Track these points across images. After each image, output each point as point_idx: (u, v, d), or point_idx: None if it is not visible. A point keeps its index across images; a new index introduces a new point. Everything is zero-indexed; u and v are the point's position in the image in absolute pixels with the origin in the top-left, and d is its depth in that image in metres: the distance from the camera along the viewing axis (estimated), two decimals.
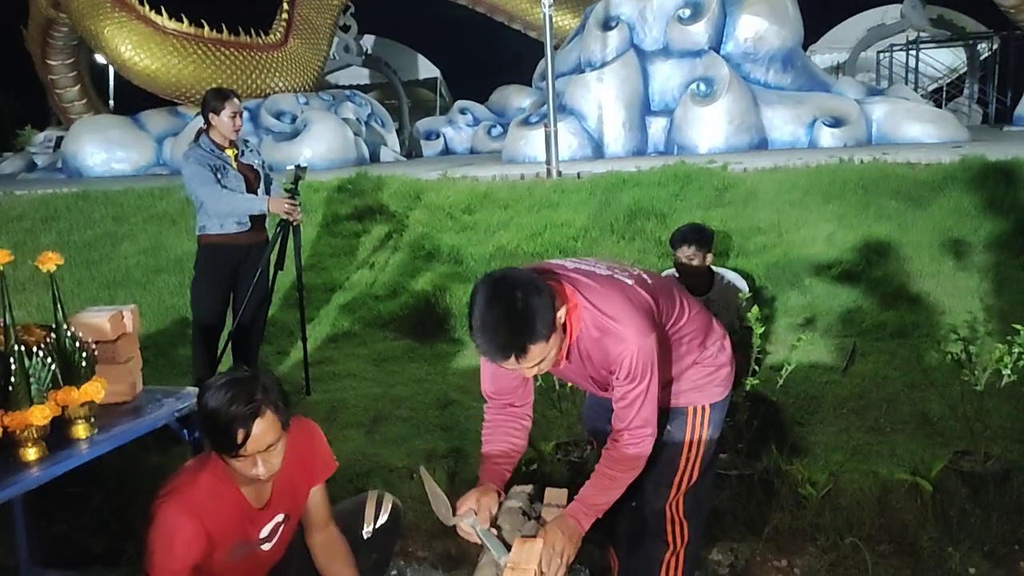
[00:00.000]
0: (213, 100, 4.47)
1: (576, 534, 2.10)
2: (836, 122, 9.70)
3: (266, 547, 2.20)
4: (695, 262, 4.19)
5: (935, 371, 4.11)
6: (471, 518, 2.07)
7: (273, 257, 4.66)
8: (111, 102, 15.41)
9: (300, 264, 4.83)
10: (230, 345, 4.65)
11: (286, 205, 4.52)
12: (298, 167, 4.61)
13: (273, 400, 1.97)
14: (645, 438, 2.11)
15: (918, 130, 9.68)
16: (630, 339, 2.00)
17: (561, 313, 1.98)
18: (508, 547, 2.04)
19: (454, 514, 2.11)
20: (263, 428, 1.93)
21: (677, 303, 2.25)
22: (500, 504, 2.17)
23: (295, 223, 4.61)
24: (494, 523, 2.13)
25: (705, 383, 2.33)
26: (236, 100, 4.53)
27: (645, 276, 2.23)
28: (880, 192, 6.43)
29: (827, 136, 9.62)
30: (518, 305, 1.88)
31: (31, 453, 2.23)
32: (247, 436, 1.92)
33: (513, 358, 1.93)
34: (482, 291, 1.92)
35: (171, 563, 2.00)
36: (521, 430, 2.29)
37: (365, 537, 2.47)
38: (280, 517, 2.21)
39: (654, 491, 2.35)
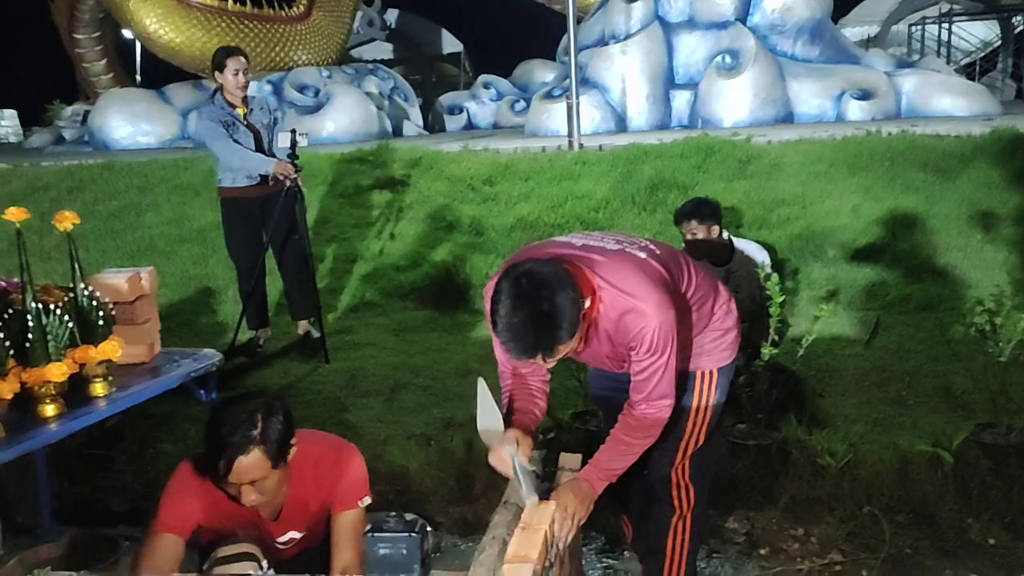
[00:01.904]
0: (218, 57, 4.64)
1: (588, 498, 2.08)
2: (864, 95, 9.51)
3: (281, 547, 2.21)
4: (699, 235, 4.13)
5: (959, 344, 4.04)
6: (512, 448, 1.99)
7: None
8: (137, 76, 15.50)
9: (305, 227, 4.87)
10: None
11: (288, 168, 4.61)
12: (294, 131, 4.65)
13: (269, 439, 1.94)
14: (664, 408, 2.09)
15: (949, 103, 9.47)
16: (650, 314, 1.97)
17: (585, 306, 1.94)
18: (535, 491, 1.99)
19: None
20: (247, 465, 1.92)
21: (684, 270, 2.23)
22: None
23: (292, 186, 4.66)
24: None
25: (712, 347, 2.32)
26: (241, 58, 4.64)
27: (653, 247, 2.20)
28: (908, 164, 6.31)
29: (855, 109, 9.44)
30: (544, 306, 1.83)
31: (49, 409, 2.26)
32: (229, 469, 1.92)
33: (540, 357, 1.90)
34: (507, 289, 1.86)
35: (175, 517, 2.04)
36: (541, 394, 2.24)
37: None
38: (296, 535, 2.19)
39: (660, 456, 2.34)
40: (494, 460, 2.04)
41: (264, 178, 4.68)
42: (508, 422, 2.14)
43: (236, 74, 4.61)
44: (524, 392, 2.21)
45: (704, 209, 4.16)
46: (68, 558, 2.41)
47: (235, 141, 4.62)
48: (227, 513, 2.08)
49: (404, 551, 1.22)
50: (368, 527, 1.27)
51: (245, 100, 4.73)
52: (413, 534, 1.22)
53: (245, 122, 4.71)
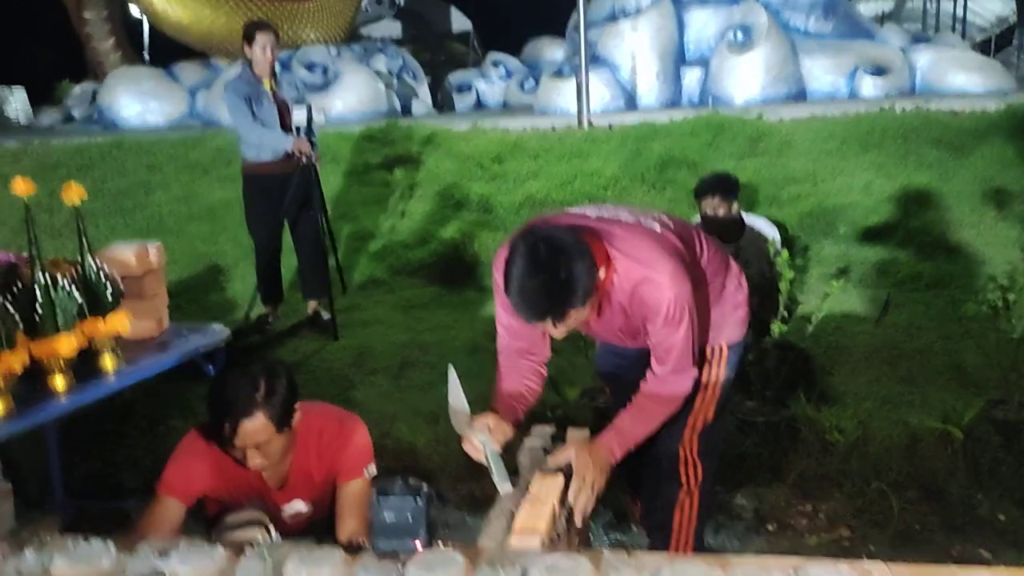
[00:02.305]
0: (248, 31, 4.68)
1: (607, 464, 2.02)
2: (878, 71, 9.38)
3: (288, 522, 2.22)
4: (720, 212, 4.11)
5: (971, 321, 4.01)
6: (484, 435, 1.99)
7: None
8: (145, 54, 15.45)
9: (320, 206, 4.89)
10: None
11: (306, 146, 4.64)
12: (309, 107, 4.69)
13: (272, 402, 1.96)
14: (687, 378, 2.08)
15: (964, 79, 9.33)
16: (666, 285, 1.95)
17: (601, 274, 1.92)
18: (512, 477, 1.95)
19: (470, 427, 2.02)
20: (251, 429, 1.94)
21: (697, 244, 2.21)
22: (523, 443, 2.12)
23: (307, 163, 4.68)
24: (514, 460, 2.10)
25: (722, 323, 2.29)
26: (271, 34, 4.65)
27: (667, 220, 2.18)
28: (921, 141, 6.25)
29: (868, 86, 9.32)
30: (561, 274, 1.81)
31: (59, 382, 2.27)
32: (234, 432, 1.94)
33: (550, 321, 1.88)
34: (523, 252, 1.83)
35: (179, 480, 2.06)
36: (537, 376, 2.20)
37: None
38: (302, 506, 2.20)
39: (668, 432, 2.29)
40: (467, 447, 2.02)
41: (289, 155, 4.70)
42: (493, 404, 2.12)
43: (264, 49, 4.64)
44: (517, 374, 2.17)
45: (726, 185, 4.13)
46: (78, 529, 2.42)
47: (256, 116, 4.65)
48: (233, 481, 2.09)
49: (409, 516, 1.22)
50: (372, 491, 1.27)
51: (273, 75, 4.75)
52: (418, 499, 1.22)
53: (271, 96, 4.73)
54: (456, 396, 2.04)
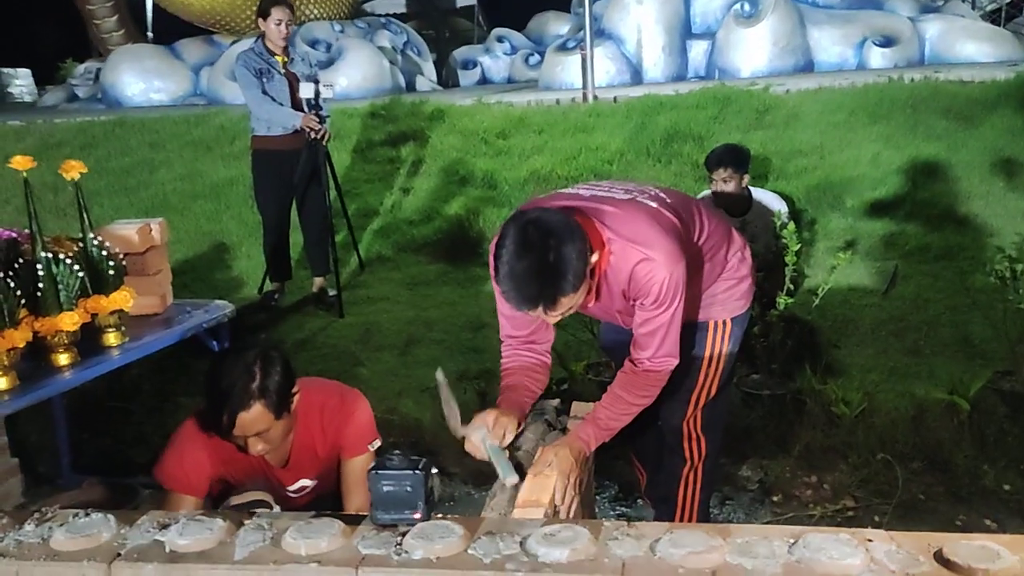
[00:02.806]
0: (264, 5, 4.66)
1: (583, 457, 1.99)
2: (887, 42, 9.26)
3: (293, 496, 2.22)
4: (731, 185, 4.09)
5: (979, 293, 3.98)
6: (482, 432, 1.95)
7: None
8: (149, 32, 15.37)
9: (327, 183, 4.87)
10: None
11: (313, 122, 4.61)
12: (317, 82, 4.67)
13: (268, 391, 1.94)
14: (667, 365, 2.02)
15: (973, 49, 9.21)
16: (660, 263, 1.90)
17: (593, 259, 1.86)
18: (518, 469, 1.92)
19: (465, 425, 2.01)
20: (249, 420, 1.92)
21: (697, 218, 2.16)
22: (521, 430, 2.08)
23: (316, 138, 4.67)
24: (518, 436, 2.09)
25: (726, 297, 2.27)
26: (287, 9, 4.61)
27: (664, 195, 2.12)
28: (930, 111, 6.18)
29: (877, 57, 9.21)
30: (550, 256, 1.75)
31: (63, 358, 2.28)
32: (232, 424, 1.92)
33: (541, 308, 1.82)
34: (512, 235, 1.78)
35: (188, 476, 2.05)
36: (542, 369, 2.16)
37: None
38: (307, 483, 2.20)
39: (672, 407, 2.31)
40: (468, 447, 1.99)
41: (298, 131, 4.68)
42: (498, 400, 2.09)
43: (279, 24, 4.62)
44: (522, 368, 2.13)
45: (738, 156, 4.10)
46: (85, 505, 2.44)
47: (265, 92, 4.64)
48: (236, 464, 2.09)
49: (408, 488, 1.22)
50: (372, 465, 1.27)
51: (287, 49, 4.73)
52: (417, 471, 1.22)
53: (283, 71, 4.70)
54: (445, 401, 2.02)
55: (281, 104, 4.69)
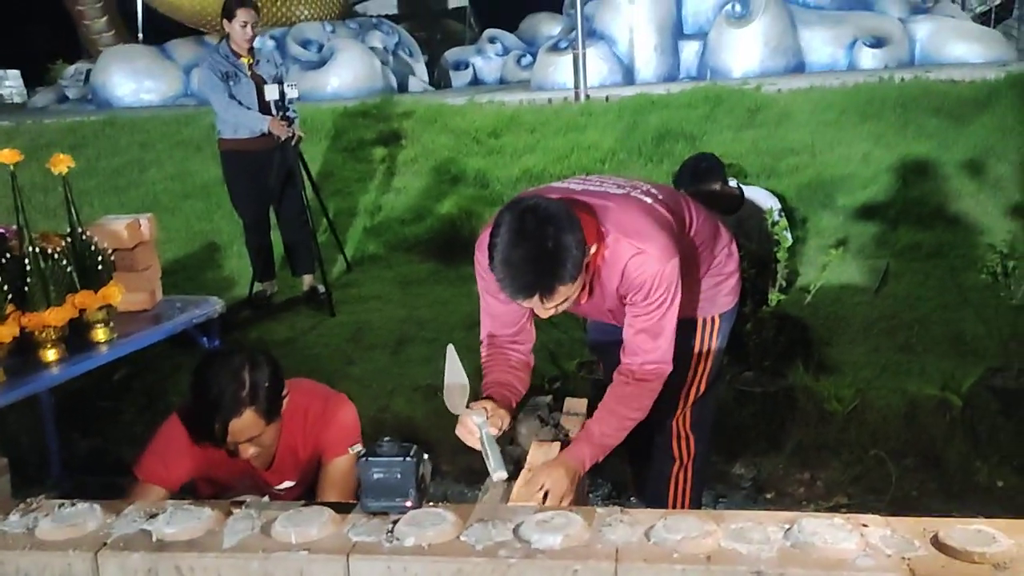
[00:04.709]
0: (229, 6, 4.59)
1: (578, 476, 1.88)
2: (877, 42, 9.30)
3: (280, 494, 2.20)
4: (715, 188, 4.06)
5: (971, 290, 3.99)
6: (482, 417, 1.84)
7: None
8: (139, 33, 15.31)
9: (301, 183, 4.84)
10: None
11: (280, 126, 4.57)
12: (281, 83, 4.60)
13: (258, 396, 1.90)
14: (659, 375, 1.95)
15: (964, 49, 9.26)
16: (653, 258, 1.86)
17: (591, 250, 1.81)
18: (511, 464, 1.86)
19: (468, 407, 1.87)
20: (241, 427, 1.89)
21: (686, 213, 2.13)
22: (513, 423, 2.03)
23: (283, 139, 4.61)
24: (511, 429, 2.06)
25: (714, 293, 2.24)
26: (252, 11, 4.55)
27: (655, 190, 2.09)
28: (920, 110, 6.20)
29: (867, 57, 9.25)
30: (548, 243, 1.69)
31: (50, 354, 2.26)
32: (224, 433, 1.89)
33: (537, 297, 1.75)
34: (509, 222, 1.73)
35: (159, 469, 2.02)
36: (525, 368, 2.09)
37: None
38: (290, 484, 2.18)
39: (661, 406, 2.23)
40: (460, 431, 1.88)
41: (266, 133, 4.63)
42: (484, 393, 2.00)
43: (244, 26, 4.56)
44: (506, 363, 2.06)
45: (704, 169, 3.89)
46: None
47: (232, 95, 4.59)
48: (220, 466, 2.07)
49: (398, 475, 1.20)
50: (362, 452, 1.25)
51: (251, 51, 4.67)
52: (408, 458, 1.20)
53: (249, 73, 4.65)
54: (455, 372, 1.86)
55: (248, 108, 4.63)
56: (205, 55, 4.78)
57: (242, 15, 4.53)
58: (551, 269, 1.72)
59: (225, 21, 4.60)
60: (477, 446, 1.84)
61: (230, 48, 4.63)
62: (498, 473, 1.78)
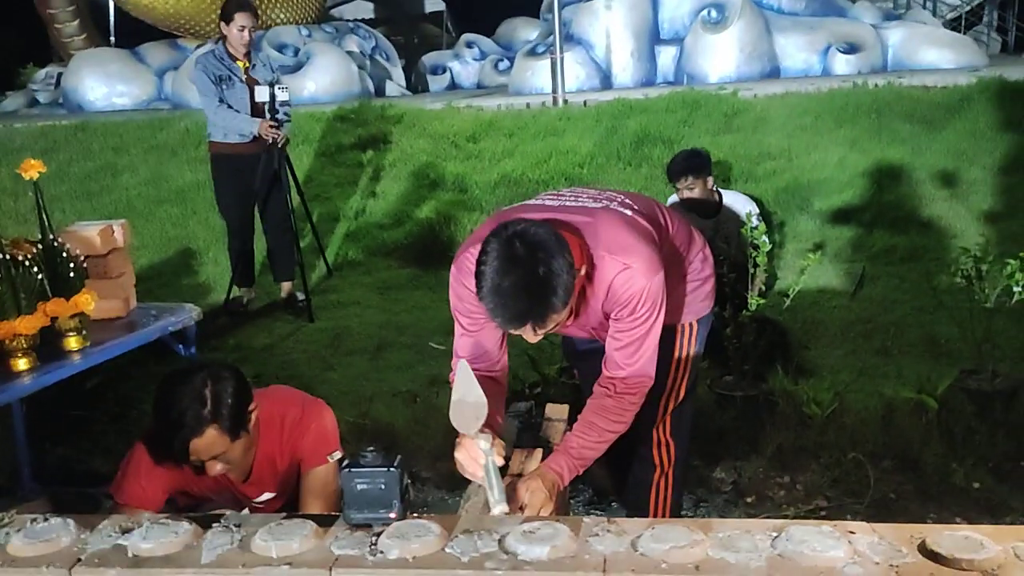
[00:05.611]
0: (227, 8, 4.56)
1: (558, 490, 1.84)
2: (851, 48, 9.42)
3: (261, 506, 2.16)
4: (696, 191, 4.13)
5: (945, 293, 4.04)
6: (488, 443, 1.67)
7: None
8: (111, 36, 15.14)
9: (287, 187, 4.82)
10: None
11: (270, 129, 4.55)
12: (272, 85, 4.58)
13: (221, 414, 1.84)
14: (640, 389, 1.92)
15: (935, 55, 9.40)
16: (639, 273, 1.83)
17: (580, 272, 1.77)
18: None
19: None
20: (203, 446, 1.83)
21: (663, 221, 2.12)
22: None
23: (271, 142, 4.59)
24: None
25: (691, 299, 2.24)
26: (250, 15, 4.52)
27: (631, 201, 2.06)
28: (894, 115, 6.28)
29: (841, 63, 9.36)
30: (540, 270, 1.64)
31: (22, 363, 2.21)
32: (186, 452, 1.83)
33: (530, 326, 1.70)
34: (496, 249, 1.66)
35: (134, 488, 1.98)
36: (502, 392, 2.00)
37: None
38: (270, 496, 2.14)
39: (641, 414, 2.21)
40: (462, 456, 1.76)
41: (256, 137, 4.61)
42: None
43: (242, 30, 4.53)
44: (482, 378, 1.83)
45: (697, 161, 4.13)
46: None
47: (223, 99, 4.57)
48: (196, 482, 2.03)
49: (382, 486, 1.18)
50: (345, 462, 1.23)
51: (248, 55, 4.65)
52: (392, 468, 1.18)
53: (245, 76, 4.62)
54: (469, 387, 1.63)
55: (238, 111, 4.60)
56: (199, 57, 4.70)
57: (240, 19, 4.50)
58: (543, 297, 1.67)
59: (223, 24, 4.57)
60: (478, 474, 1.72)
61: (226, 51, 4.60)
62: (500, 506, 1.65)
